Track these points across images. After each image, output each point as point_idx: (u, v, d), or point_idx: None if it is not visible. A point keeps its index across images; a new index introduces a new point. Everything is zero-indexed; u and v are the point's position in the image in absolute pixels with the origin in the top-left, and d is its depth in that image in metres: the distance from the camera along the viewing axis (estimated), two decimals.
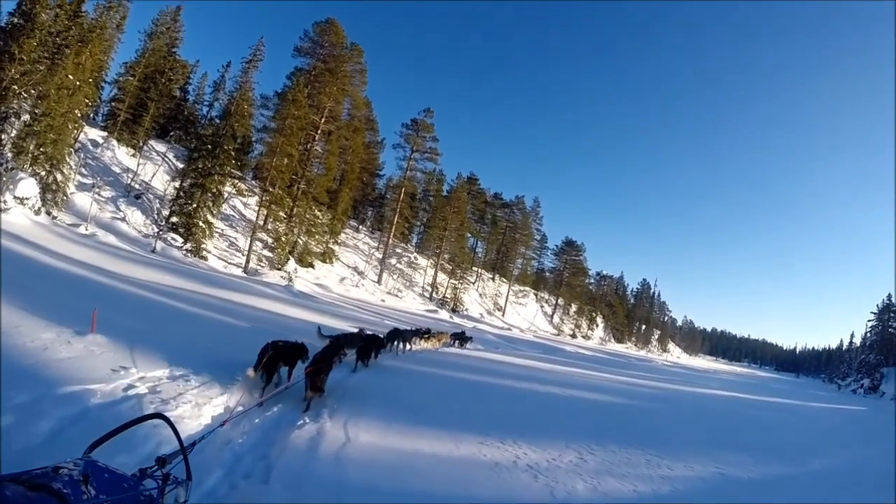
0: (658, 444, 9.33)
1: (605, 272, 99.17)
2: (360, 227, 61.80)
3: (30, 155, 24.06)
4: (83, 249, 19.30)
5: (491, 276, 75.64)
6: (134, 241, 26.84)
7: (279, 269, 33.54)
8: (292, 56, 46.48)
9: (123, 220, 28.89)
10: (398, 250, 57.95)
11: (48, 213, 24.12)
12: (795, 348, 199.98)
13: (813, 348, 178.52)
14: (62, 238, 20.52)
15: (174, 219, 30.59)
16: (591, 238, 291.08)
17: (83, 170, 31.24)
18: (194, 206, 30.15)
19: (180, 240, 29.38)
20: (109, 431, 2.86)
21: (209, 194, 30.92)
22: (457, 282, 57.88)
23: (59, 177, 25.24)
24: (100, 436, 2.81)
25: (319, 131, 41.60)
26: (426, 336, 19.69)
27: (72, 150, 27.97)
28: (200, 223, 29.83)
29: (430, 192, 65.63)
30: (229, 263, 31.71)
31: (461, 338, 24.08)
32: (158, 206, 32.47)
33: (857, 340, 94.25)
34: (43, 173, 24.50)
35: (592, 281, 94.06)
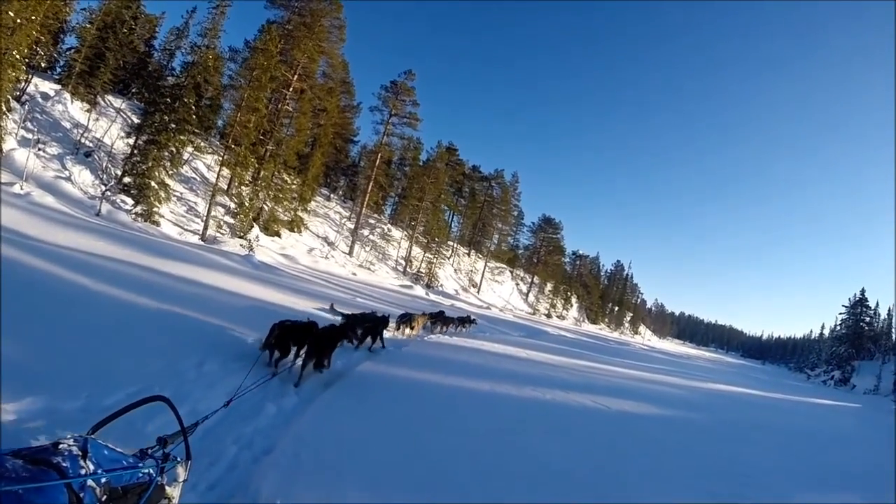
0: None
1: (581, 252, 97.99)
2: (332, 195, 59.12)
3: None
4: (8, 210, 16.42)
5: (467, 251, 73.53)
6: (77, 202, 23.80)
7: (241, 238, 30.57)
8: (265, 7, 43.26)
9: (69, 179, 25.73)
10: (371, 221, 55.41)
11: None
12: (762, 336, 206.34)
13: (779, 337, 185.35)
14: None
15: (127, 179, 27.45)
16: (568, 217, 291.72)
17: (28, 124, 27.98)
18: (149, 165, 26.93)
19: (131, 202, 26.32)
20: (111, 414, 2.88)
21: (166, 152, 27.66)
22: (432, 256, 55.38)
23: None
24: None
25: (291, 89, 38.44)
26: (407, 322, 16.85)
27: (11, 100, 24.99)
28: (154, 184, 26.66)
29: (406, 160, 62.92)
30: (185, 230, 28.67)
31: (445, 320, 21.50)
32: (109, 164, 29.28)
33: (827, 332, 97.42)
34: None
35: (568, 260, 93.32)
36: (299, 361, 8.60)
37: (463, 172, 70.89)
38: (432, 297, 43.23)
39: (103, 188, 26.11)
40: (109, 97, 37.46)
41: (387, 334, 13.58)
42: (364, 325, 12.50)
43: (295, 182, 39.85)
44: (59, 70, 38.48)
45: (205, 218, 30.10)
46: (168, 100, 28.04)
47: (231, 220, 32.45)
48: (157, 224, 26.47)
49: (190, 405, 4.22)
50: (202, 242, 27.82)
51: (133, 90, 41.56)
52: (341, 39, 44.97)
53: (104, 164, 28.98)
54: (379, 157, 51.40)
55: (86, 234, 16.12)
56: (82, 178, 26.65)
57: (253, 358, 7.84)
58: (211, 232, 29.99)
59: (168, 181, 28.36)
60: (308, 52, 39.25)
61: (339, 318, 12.80)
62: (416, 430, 7.08)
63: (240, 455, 5.16)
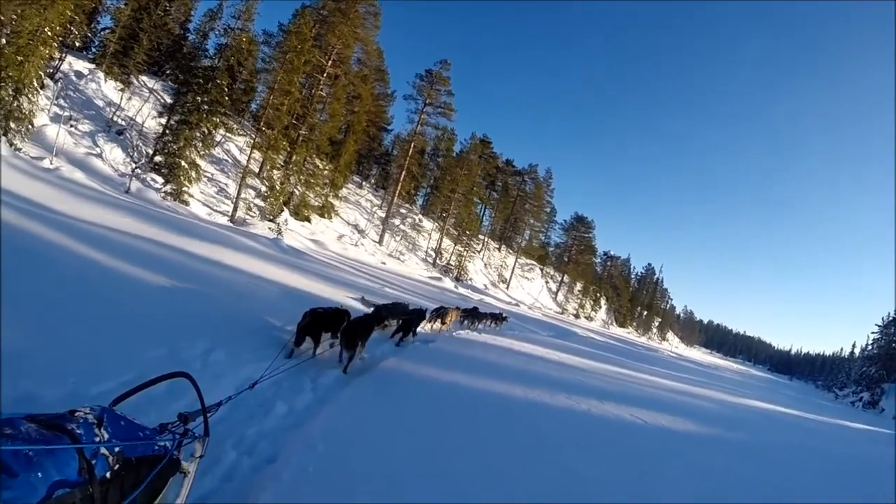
0: None
1: (612, 252, 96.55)
2: (364, 182, 58.58)
3: None
4: (35, 184, 16.03)
5: (497, 246, 72.52)
6: (107, 179, 23.54)
7: (271, 221, 30.05)
8: None
9: (100, 156, 25.48)
10: (402, 210, 54.67)
11: (10, 144, 20.80)
12: (790, 350, 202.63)
13: (808, 353, 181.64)
14: (14, 170, 17.14)
15: (158, 158, 27.25)
16: (600, 216, 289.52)
17: (62, 101, 27.90)
18: (180, 144, 26.62)
19: (161, 181, 25.99)
20: (132, 388, 2.88)
21: (198, 133, 27.33)
22: (462, 249, 54.48)
23: (24, 103, 22.04)
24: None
25: (325, 75, 37.78)
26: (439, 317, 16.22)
27: (43, 75, 24.74)
28: (184, 164, 26.27)
29: (440, 150, 61.97)
30: (214, 211, 28.27)
31: (478, 316, 20.74)
32: (141, 143, 29.00)
33: (857, 351, 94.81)
34: (7, 98, 21.28)
35: (599, 261, 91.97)
36: (325, 350, 8.41)
37: (496, 166, 69.60)
38: (461, 290, 42.53)
39: (133, 166, 25.80)
40: (143, 77, 37.26)
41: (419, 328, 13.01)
42: (401, 317, 12.38)
43: (327, 168, 39.36)
44: (93, 50, 38.56)
45: (235, 199, 29.65)
46: (201, 81, 27.67)
47: (261, 203, 31.86)
48: (187, 203, 26.10)
49: (189, 399, 3.54)
50: (231, 224, 27.36)
51: (167, 71, 41.22)
52: (376, 27, 44.36)
53: (135, 143, 28.66)
54: (412, 146, 50.62)
55: (111, 210, 15.68)
56: (113, 156, 26.38)
57: (273, 347, 7.40)
58: (240, 214, 29.51)
59: (199, 161, 28.08)
60: (343, 38, 38.60)
61: (369, 310, 12.12)
62: (443, 442, 6.22)
63: (239, 462, 4.49)
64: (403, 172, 50.15)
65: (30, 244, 8.78)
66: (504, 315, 24.46)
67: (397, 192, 50.53)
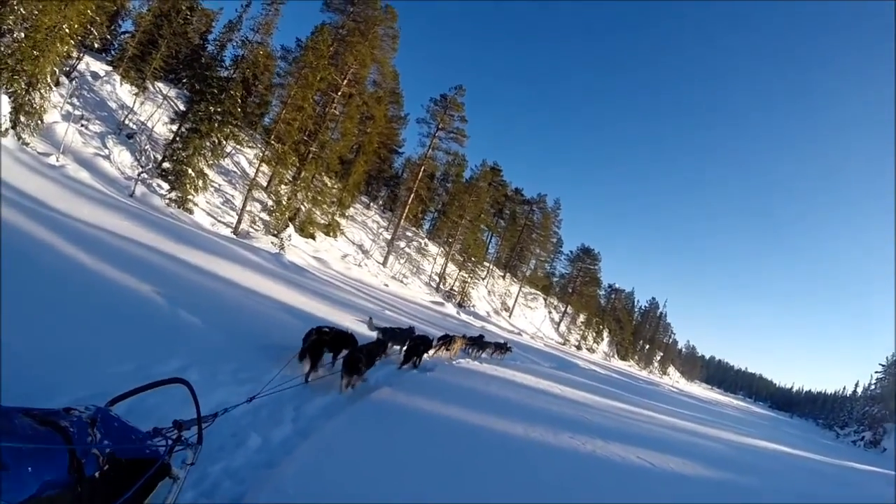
0: None
1: (617, 285, 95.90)
2: (372, 203, 58.26)
3: (8, 70, 20.80)
4: (37, 179, 15.82)
5: (502, 274, 72.11)
6: (113, 181, 23.29)
7: (275, 236, 29.70)
8: (321, 10, 43.03)
9: (107, 158, 25.30)
10: (409, 233, 54.28)
11: (18, 138, 20.61)
12: (791, 387, 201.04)
13: (809, 390, 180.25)
14: (19, 164, 16.93)
15: (166, 164, 27.05)
16: (605, 248, 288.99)
17: (75, 100, 27.86)
18: (189, 152, 26.36)
19: (167, 187, 25.76)
20: (129, 391, 2.94)
21: (208, 142, 27.11)
22: (466, 275, 53.90)
23: (36, 98, 21.94)
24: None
25: (340, 93, 37.76)
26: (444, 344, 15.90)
27: (58, 72, 24.70)
28: (191, 172, 26.01)
29: (450, 175, 61.65)
30: (218, 221, 27.97)
31: (482, 345, 20.61)
32: (150, 148, 28.89)
33: (860, 390, 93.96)
34: (19, 91, 21.18)
35: (603, 293, 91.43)
36: (325, 375, 8.16)
37: (505, 194, 69.46)
38: (463, 316, 42.08)
39: (140, 170, 25.63)
40: (159, 84, 37.38)
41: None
42: (408, 343, 12.38)
43: (335, 186, 39.26)
44: (112, 52, 38.76)
45: (240, 211, 29.40)
46: (215, 90, 27.49)
47: (266, 217, 31.60)
48: (191, 212, 25.80)
49: (154, 422, 3.13)
50: (234, 236, 27.03)
51: (182, 79, 41.27)
52: (393, 49, 44.77)
53: (144, 147, 28.54)
54: (422, 169, 50.59)
55: (110, 212, 15.37)
56: (121, 158, 26.23)
57: (254, 368, 7.00)
58: (244, 226, 29.22)
59: (207, 171, 27.77)
60: (360, 58, 38.77)
61: (373, 333, 12.38)
62: (435, 486, 5.63)
63: None
64: (412, 195, 50.00)
65: (11, 239, 8.28)
66: (508, 345, 24.10)
67: (404, 214, 50.32)
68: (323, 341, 8.30)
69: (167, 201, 24.91)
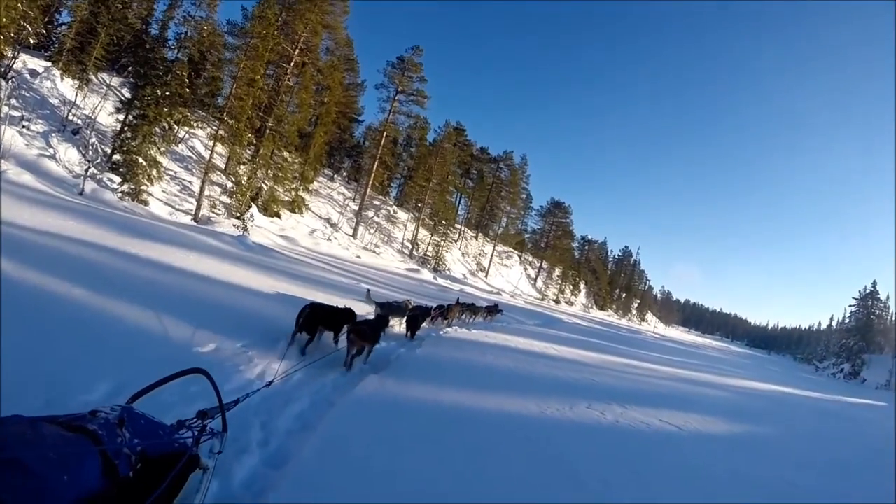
0: None
1: (590, 237, 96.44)
2: (336, 175, 57.36)
3: None
4: None
5: (474, 234, 71.76)
6: (60, 181, 22.13)
7: (237, 218, 28.76)
8: None
9: (53, 157, 24.11)
10: (376, 202, 53.37)
11: None
12: (767, 325, 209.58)
13: (784, 327, 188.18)
14: None
15: (116, 157, 25.75)
16: (576, 202, 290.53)
17: (14, 101, 26.35)
18: (139, 141, 25.17)
19: (118, 181, 24.61)
20: (150, 384, 2.94)
21: (157, 128, 25.96)
22: (439, 239, 53.49)
23: None
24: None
25: (293, 64, 36.58)
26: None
27: None
28: (143, 161, 24.87)
29: (413, 139, 60.91)
30: (177, 210, 26.96)
31: (475, 310, 20.93)
32: (98, 142, 27.51)
33: (835, 324, 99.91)
34: None
35: (577, 245, 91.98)
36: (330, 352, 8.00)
37: (471, 154, 68.77)
38: (440, 281, 41.58)
39: (87, 166, 24.44)
40: (103, 75, 35.58)
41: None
42: (408, 315, 12.47)
43: (296, 161, 38.19)
44: (50, 48, 36.80)
45: (198, 197, 28.38)
46: (160, 73, 26.20)
47: (228, 200, 30.63)
48: (146, 203, 24.76)
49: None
50: (194, 223, 26.09)
51: (127, 67, 39.40)
52: (345, 12, 43.21)
53: (91, 142, 27.22)
54: (384, 135, 49.53)
55: (54, 213, 14.33)
56: (68, 157, 24.95)
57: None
58: (205, 212, 28.24)
59: (160, 159, 26.68)
60: (311, 25, 37.43)
61: (371, 307, 12.69)
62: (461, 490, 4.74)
63: None
64: (376, 162, 49.06)
65: None
66: (498, 307, 24.32)
67: (370, 183, 49.37)
68: (317, 316, 8.12)
69: (120, 195, 23.85)
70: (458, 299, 20.14)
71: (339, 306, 9.00)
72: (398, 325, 12.53)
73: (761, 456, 9.10)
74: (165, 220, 22.69)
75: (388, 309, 12.20)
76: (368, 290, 14.30)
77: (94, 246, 11.27)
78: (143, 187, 25.00)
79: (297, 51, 36.73)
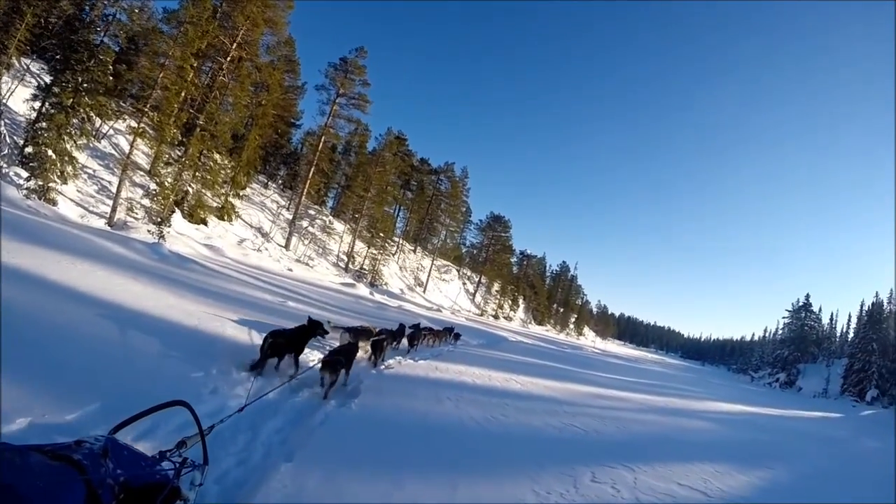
0: None
1: (528, 251, 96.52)
2: (270, 182, 55.20)
3: None
4: None
5: (412, 248, 70.77)
6: None
7: (158, 224, 26.27)
8: None
9: None
10: (311, 211, 51.47)
11: None
12: (700, 337, 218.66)
13: (717, 339, 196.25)
14: None
15: (29, 149, 23.11)
16: (516, 216, 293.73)
17: None
18: (53, 132, 22.75)
19: (25, 175, 22.16)
20: (132, 416, 2.85)
21: (75, 119, 23.47)
22: (376, 252, 51.89)
23: None
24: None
25: (229, 58, 34.39)
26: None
27: None
28: (53, 155, 22.47)
29: (353, 146, 59.31)
30: (90, 212, 24.59)
31: (437, 334, 20.44)
32: (6, 132, 24.81)
33: (769, 335, 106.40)
34: None
35: (515, 260, 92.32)
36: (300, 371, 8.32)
37: (411, 164, 67.58)
38: (377, 297, 39.89)
39: None
40: (26, 60, 32.59)
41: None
42: (372, 340, 12.49)
43: (228, 164, 35.94)
44: None
45: (115, 198, 25.93)
46: (83, 57, 23.78)
47: (148, 203, 28.09)
48: (54, 203, 22.39)
49: None
50: (108, 228, 23.83)
51: (53, 52, 36.40)
52: (289, 7, 41.08)
53: (2, 131, 24.52)
54: (322, 140, 47.51)
55: None
56: None
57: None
58: (121, 216, 25.89)
59: (76, 154, 24.15)
60: (251, 18, 35.17)
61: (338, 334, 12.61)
62: None
63: None
64: (312, 169, 47.13)
65: None
66: (455, 330, 23.46)
67: (305, 190, 47.41)
68: (279, 345, 8.10)
69: (25, 192, 21.39)
70: (419, 324, 19.16)
71: (299, 325, 9.29)
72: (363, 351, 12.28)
73: None
74: (71, 223, 20.39)
75: (355, 335, 12.20)
76: (329, 322, 12.62)
77: None
78: (53, 185, 22.60)
79: (235, 45, 34.53)
